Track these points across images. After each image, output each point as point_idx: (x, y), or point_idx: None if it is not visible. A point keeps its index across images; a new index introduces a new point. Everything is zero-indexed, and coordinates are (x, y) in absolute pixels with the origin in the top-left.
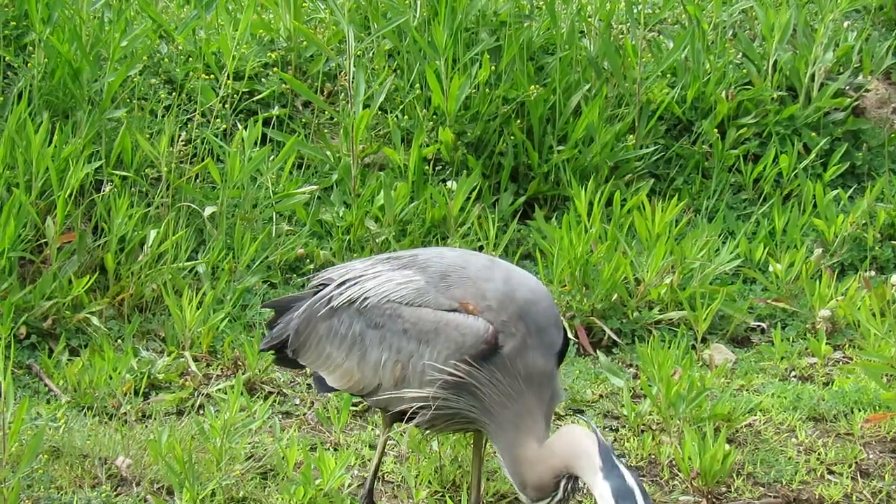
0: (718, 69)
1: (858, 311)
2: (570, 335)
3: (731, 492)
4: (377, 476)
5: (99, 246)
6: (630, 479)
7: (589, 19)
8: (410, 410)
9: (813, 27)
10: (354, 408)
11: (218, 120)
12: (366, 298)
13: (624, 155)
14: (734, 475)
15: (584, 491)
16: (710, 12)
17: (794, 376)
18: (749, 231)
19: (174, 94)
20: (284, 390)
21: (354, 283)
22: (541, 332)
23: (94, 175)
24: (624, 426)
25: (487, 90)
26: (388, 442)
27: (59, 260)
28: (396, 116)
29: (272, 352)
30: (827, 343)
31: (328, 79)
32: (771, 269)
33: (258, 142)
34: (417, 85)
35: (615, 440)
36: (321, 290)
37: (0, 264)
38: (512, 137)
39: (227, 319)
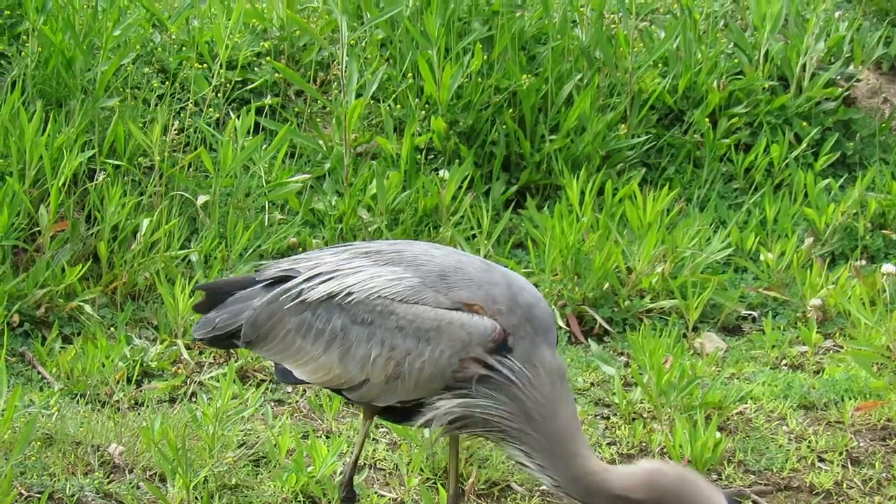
0: (710, 59)
1: (849, 300)
2: (561, 324)
3: (721, 479)
4: (357, 465)
5: (92, 234)
6: None
7: (581, 9)
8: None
9: (804, 17)
10: None
11: (211, 109)
12: (349, 294)
13: (615, 144)
14: (725, 463)
15: None
16: (702, 2)
17: (785, 364)
18: (740, 220)
19: (167, 83)
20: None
21: (331, 278)
22: (546, 333)
23: (88, 164)
24: (615, 414)
25: (479, 80)
26: (381, 430)
27: (52, 248)
28: (389, 106)
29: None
30: (817, 332)
31: (321, 68)
32: (762, 258)
33: (251, 131)
34: (410, 74)
35: (606, 428)
36: (277, 281)
37: None
38: (504, 127)
39: None
